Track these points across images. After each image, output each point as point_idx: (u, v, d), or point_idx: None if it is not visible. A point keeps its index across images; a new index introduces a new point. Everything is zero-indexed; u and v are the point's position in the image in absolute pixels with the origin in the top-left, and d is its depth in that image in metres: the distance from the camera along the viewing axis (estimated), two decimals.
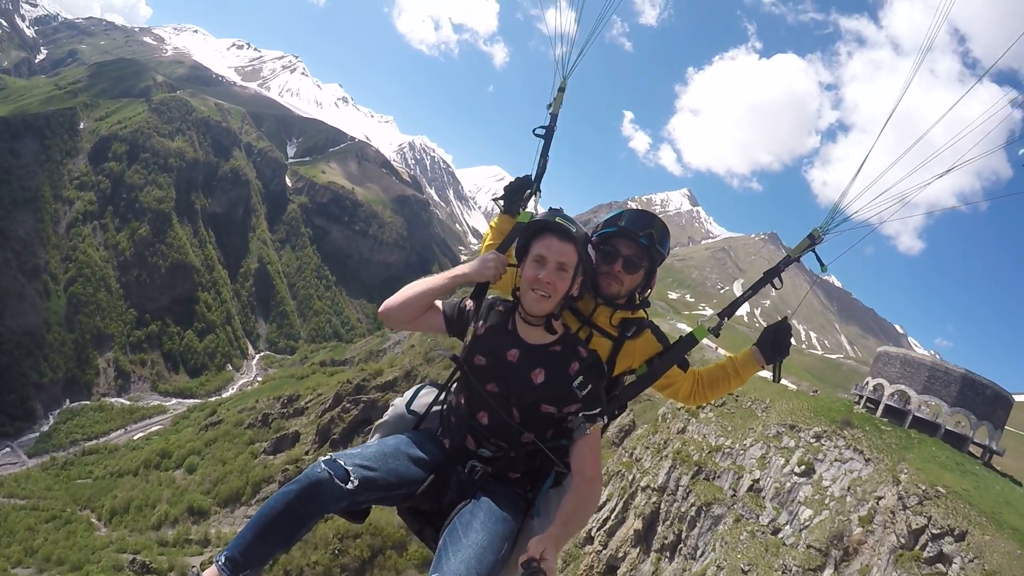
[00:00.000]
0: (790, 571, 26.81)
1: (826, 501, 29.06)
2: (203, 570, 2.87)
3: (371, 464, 3.07)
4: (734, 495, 32.83)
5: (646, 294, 3.71)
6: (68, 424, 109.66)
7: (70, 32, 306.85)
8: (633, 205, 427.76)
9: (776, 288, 3.64)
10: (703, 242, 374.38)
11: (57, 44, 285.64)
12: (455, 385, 3.51)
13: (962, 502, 24.93)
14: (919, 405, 35.67)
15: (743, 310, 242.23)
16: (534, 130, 4.26)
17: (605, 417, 3.29)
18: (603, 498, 36.09)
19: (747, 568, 27.98)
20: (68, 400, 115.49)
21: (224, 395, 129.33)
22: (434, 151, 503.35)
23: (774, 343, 3.52)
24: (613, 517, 36.65)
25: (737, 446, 34.88)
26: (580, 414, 3.20)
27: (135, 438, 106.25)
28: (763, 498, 31.66)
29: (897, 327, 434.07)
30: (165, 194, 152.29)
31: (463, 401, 3.38)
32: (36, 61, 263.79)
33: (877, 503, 27.11)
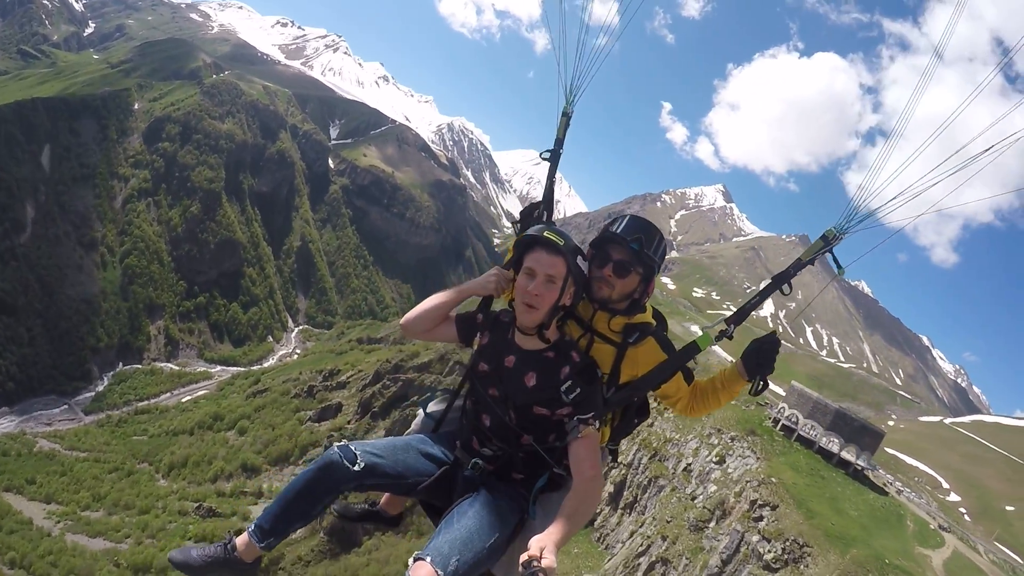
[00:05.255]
0: (691, 521, 38.87)
1: (727, 482, 40.41)
2: (236, 536, 3.43)
3: (379, 452, 3.42)
4: (674, 473, 44.90)
5: (644, 300, 3.70)
6: (121, 385, 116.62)
7: (117, 7, 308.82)
8: (667, 199, 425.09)
9: (785, 293, 3.52)
10: (734, 240, 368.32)
11: (105, 18, 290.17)
12: (467, 390, 3.77)
13: (783, 488, 36.58)
14: (803, 426, 46.93)
15: (766, 310, 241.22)
16: (541, 154, 4.35)
17: (598, 422, 3.37)
18: None
19: (669, 520, 39.89)
20: (121, 363, 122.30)
21: (265, 364, 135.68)
22: (472, 133, 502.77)
23: (758, 357, 3.47)
24: None
25: (682, 439, 46.71)
26: (574, 417, 3.33)
27: (183, 400, 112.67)
28: (691, 476, 43.49)
29: (924, 338, 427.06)
30: (215, 174, 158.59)
31: (471, 404, 3.71)
32: (85, 35, 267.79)
33: (746, 484, 38.20)
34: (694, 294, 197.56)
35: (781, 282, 3.52)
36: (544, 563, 2.60)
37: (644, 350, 3.57)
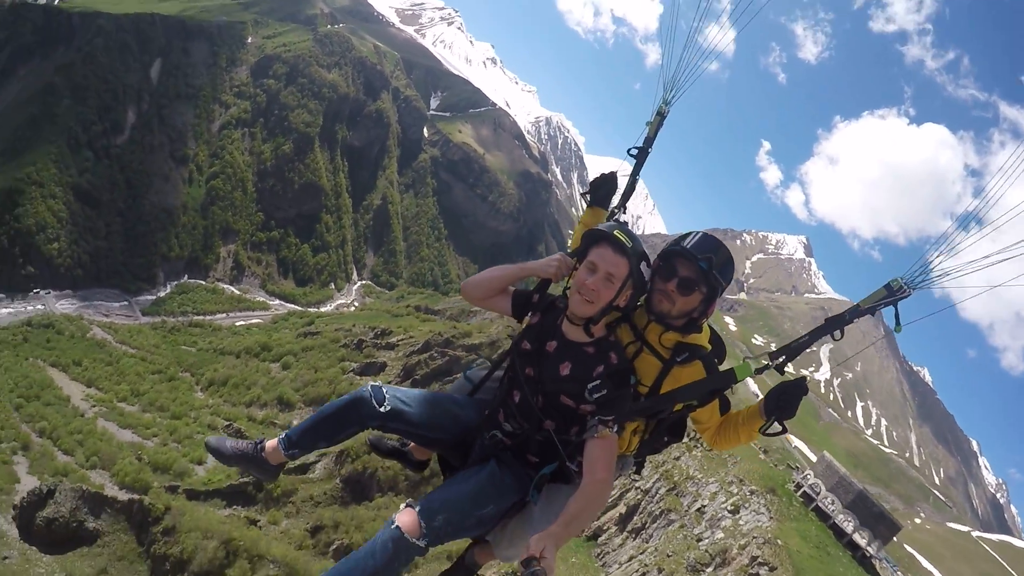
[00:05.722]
0: (690, 561, 37.55)
1: (735, 532, 39.41)
2: (267, 440, 3.73)
3: (407, 401, 3.63)
4: (687, 511, 43.77)
5: (702, 321, 3.65)
6: (182, 296, 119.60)
7: None
8: (748, 238, 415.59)
9: (835, 339, 3.44)
10: (806, 295, 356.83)
11: None
12: (507, 364, 3.86)
13: (786, 553, 35.12)
14: (823, 498, 45.39)
15: (821, 375, 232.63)
16: (629, 150, 4.36)
17: (617, 426, 3.37)
18: None
19: (670, 554, 38.65)
20: (187, 276, 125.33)
21: (322, 309, 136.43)
22: (568, 131, 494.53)
23: (780, 398, 3.39)
24: (610, 500, 46.93)
25: (704, 480, 45.59)
26: (595, 417, 3.37)
27: (237, 324, 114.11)
28: (703, 518, 42.58)
29: (974, 443, 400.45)
30: (313, 119, 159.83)
31: (507, 379, 3.80)
32: None
33: (752, 540, 36.78)
34: (753, 340, 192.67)
35: (834, 327, 3.40)
36: (544, 563, 2.66)
37: (689, 372, 3.51)
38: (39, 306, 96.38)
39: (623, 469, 3.97)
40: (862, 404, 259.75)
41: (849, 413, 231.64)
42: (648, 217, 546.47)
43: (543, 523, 3.38)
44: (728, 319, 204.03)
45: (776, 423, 3.41)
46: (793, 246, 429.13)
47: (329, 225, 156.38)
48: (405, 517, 3.08)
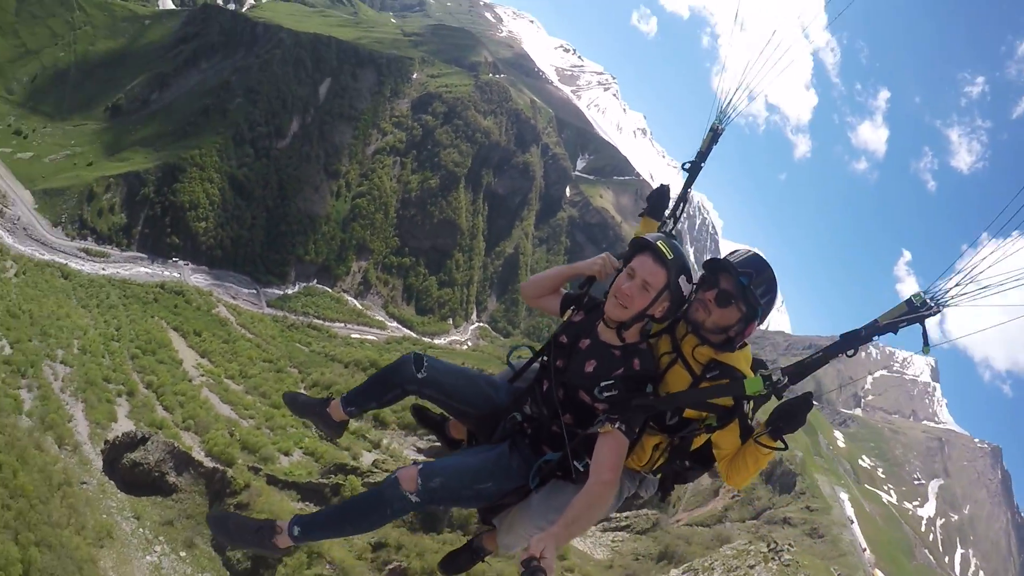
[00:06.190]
0: None
1: None
2: (332, 400, 3.94)
3: (444, 372, 3.73)
4: None
5: (739, 341, 3.51)
6: (307, 298, 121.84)
7: None
8: (873, 351, 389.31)
9: (848, 356, 3.20)
10: (924, 422, 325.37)
11: None
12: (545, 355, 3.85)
13: None
14: None
15: (925, 512, 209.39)
16: (683, 164, 4.57)
17: (622, 425, 3.26)
18: None
19: None
20: (316, 280, 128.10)
21: (436, 341, 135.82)
22: (708, 213, 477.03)
23: (782, 409, 3.24)
24: None
25: None
26: (604, 414, 3.34)
27: (352, 336, 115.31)
28: None
29: None
30: (462, 160, 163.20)
31: (540, 368, 3.87)
32: None
33: None
34: (860, 462, 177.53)
35: (849, 345, 3.26)
36: (543, 563, 2.69)
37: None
38: (175, 274, 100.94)
39: (645, 489, 3.92)
40: (962, 551, 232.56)
41: (947, 559, 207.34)
42: (775, 313, 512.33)
43: (540, 514, 3.49)
44: (838, 433, 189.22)
45: (776, 437, 3.31)
46: (920, 367, 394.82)
47: (459, 263, 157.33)
48: (406, 472, 3.26)
